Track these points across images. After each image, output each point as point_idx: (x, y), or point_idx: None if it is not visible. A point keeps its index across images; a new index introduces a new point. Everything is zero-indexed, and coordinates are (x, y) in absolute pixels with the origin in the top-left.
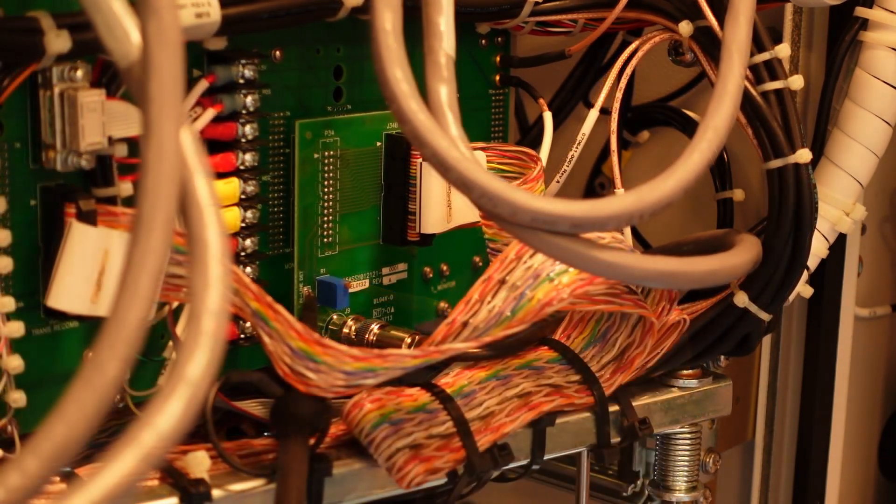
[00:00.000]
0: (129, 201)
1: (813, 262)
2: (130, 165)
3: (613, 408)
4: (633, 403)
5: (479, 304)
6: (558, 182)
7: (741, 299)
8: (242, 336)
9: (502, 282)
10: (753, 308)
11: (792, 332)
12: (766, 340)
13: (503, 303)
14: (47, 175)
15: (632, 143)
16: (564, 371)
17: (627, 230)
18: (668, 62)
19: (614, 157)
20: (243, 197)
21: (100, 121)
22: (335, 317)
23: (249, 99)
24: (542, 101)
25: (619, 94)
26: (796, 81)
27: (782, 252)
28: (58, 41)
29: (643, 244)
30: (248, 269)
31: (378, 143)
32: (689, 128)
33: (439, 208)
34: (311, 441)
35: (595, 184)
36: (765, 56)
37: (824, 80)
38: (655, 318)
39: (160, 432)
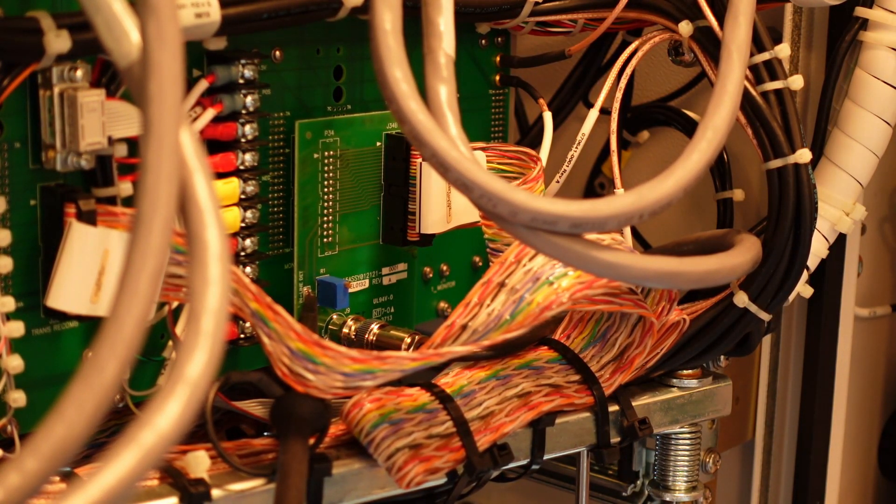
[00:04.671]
0: (129, 201)
1: (813, 262)
2: (130, 165)
3: (613, 408)
4: (633, 403)
5: (478, 308)
6: (558, 182)
7: (741, 299)
8: (242, 336)
9: (501, 285)
10: (753, 308)
11: (792, 332)
12: (766, 340)
13: (502, 306)
14: (47, 175)
15: (632, 143)
16: (564, 371)
17: (627, 230)
18: (668, 62)
19: (614, 157)
20: (243, 197)
21: (100, 121)
22: (335, 317)
23: (249, 99)
24: (542, 101)
25: (619, 94)
26: (796, 81)
27: (782, 252)
28: (58, 41)
29: (643, 244)
30: (248, 269)
31: (378, 143)
32: (689, 128)
33: (439, 208)
34: (311, 441)
35: (595, 184)
36: (765, 56)
37: (824, 80)
38: (655, 318)
39: (160, 432)
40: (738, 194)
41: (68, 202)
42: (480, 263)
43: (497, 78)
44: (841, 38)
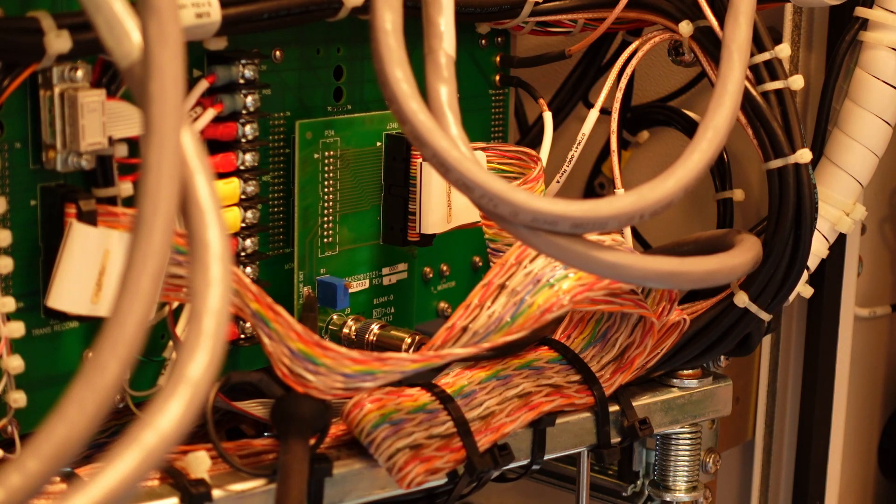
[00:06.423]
0: (130, 201)
1: (813, 262)
2: (131, 165)
3: (613, 408)
4: (633, 403)
5: (478, 309)
6: (558, 182)
7: (741, 299)
8: (243, 336)
9: (502, 287)
10: (753, 308)
11: (792, 332)
12: (766, 340)
13: (503, 308)
14: (48, 175)
15: (632, 143)
16: (564, 371)
17: (627, 230)
18: (668, 62)
19: (614, 157)
20: (243, 197)
21: (100, 121)
22: (335, 317)
23: (250, 99)
24: (542, 101)
25: (619, 94)
26: (796, 81)
27: (782, 252)
28: (58, 41)
29: (643, 244)
30: (249, 270)
31: (378, 143)
32: (689, 128)
33: (439, 208)
34: (312, 441)
35: (595, 184)
36: (765, 56)
37: (824, 80)
38: (656, 318)
39: (161, 432)
40: (738, 194)
41: (69, 202)
42: (480, 263)
43: (497, 78)
44: (841, 38)
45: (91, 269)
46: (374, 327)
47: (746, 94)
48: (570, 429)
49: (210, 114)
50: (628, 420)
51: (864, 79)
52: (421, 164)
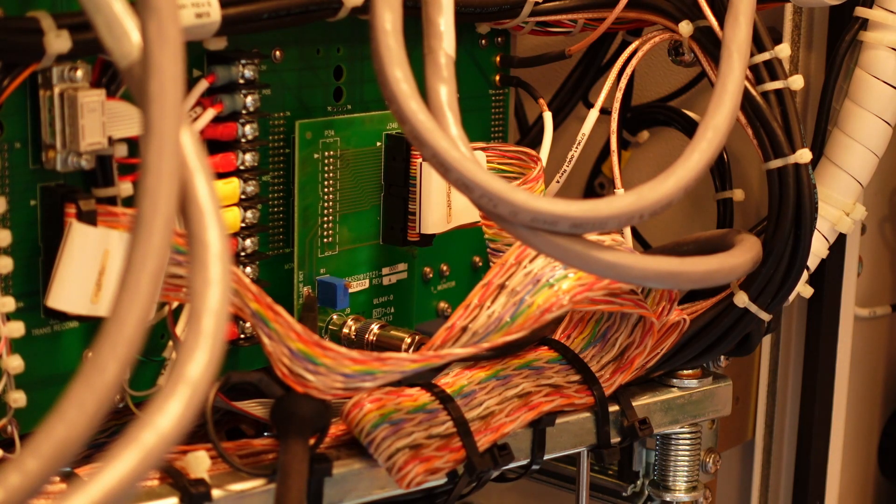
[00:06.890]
0: (130, 201)
1: (813, 262)
2: (131, 165)
3: (613, 408)
4: (633, 403)
5: (478, 309)
6: (558, 182)
7: (741, 299)
8: (242, 336)
9: (502, 287)
10: (753, 308)
11: (792, 332)
12: (766, 340)
13: (503, 308)
14: (47, 175)
15: (632, 143)
16: (564, 371)
17: (627, 230)
18: (668, 62)
19: (614, 157)
20: (243, 197)
21: (100, 121)
22: (335, 317)
23: (249, 99)
24: (542, 101)
25: (619, 94)
26: (796, 81)
27: (782, 252)
28: (58, 41)
29: (643, 244)
30: (248, 270)
31: (378, 143)
32: (689, 128)
33: (439, 208)
34: (312, 441)
35: (595, 184)
36: (765, 56)
37: (824, 80)
38: (655, 318)
39: (160, 432)
40: (738, 194)
41: (68, 202)
42: (480, 263)
43: (497, 78)
44: (841, 38)
45: (91, 269)
46: (374, 327)
47: (746, 94)
48: (570, 429)
49: (210, 114)
50: (628, 420)
51: (864, 79)
52: (421, 164)
